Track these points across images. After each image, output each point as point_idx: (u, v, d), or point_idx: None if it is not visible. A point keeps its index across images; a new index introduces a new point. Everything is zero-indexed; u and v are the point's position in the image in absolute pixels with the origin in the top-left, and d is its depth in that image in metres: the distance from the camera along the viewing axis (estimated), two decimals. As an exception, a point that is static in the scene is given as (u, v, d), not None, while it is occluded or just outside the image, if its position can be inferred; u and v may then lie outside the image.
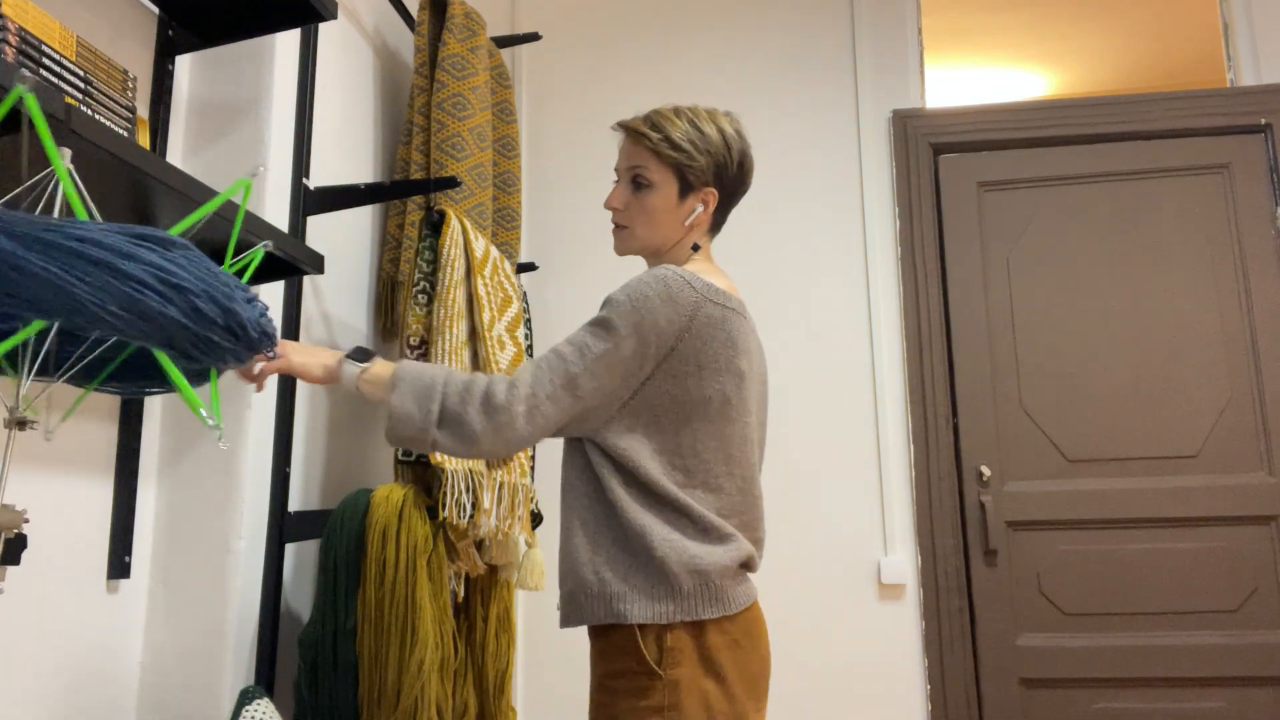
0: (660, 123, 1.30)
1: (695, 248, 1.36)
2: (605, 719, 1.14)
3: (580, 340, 1.18)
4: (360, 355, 1.22)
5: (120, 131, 1.12)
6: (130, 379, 1.05)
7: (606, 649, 1.16)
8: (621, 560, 1.16)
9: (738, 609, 1.18)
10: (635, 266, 2.58)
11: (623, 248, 1.36)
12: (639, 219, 1.32)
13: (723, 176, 1.32)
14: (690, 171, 1.29)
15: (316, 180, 1.68)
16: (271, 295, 1.51)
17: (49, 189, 0.98)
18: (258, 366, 1.18)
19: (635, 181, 1.32)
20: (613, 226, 1.37)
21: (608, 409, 1.19)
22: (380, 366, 1.19)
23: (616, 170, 1.36)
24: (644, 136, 1.30)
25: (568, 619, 1.20)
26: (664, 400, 1.19)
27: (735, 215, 2.57)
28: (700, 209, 1.32)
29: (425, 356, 1.69)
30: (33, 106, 0.80)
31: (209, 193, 1.11)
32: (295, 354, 1.20)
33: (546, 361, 1.18)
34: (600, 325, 1.19)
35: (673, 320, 1.18)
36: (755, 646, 1.20)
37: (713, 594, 1.15)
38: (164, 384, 1.06)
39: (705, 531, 1.18)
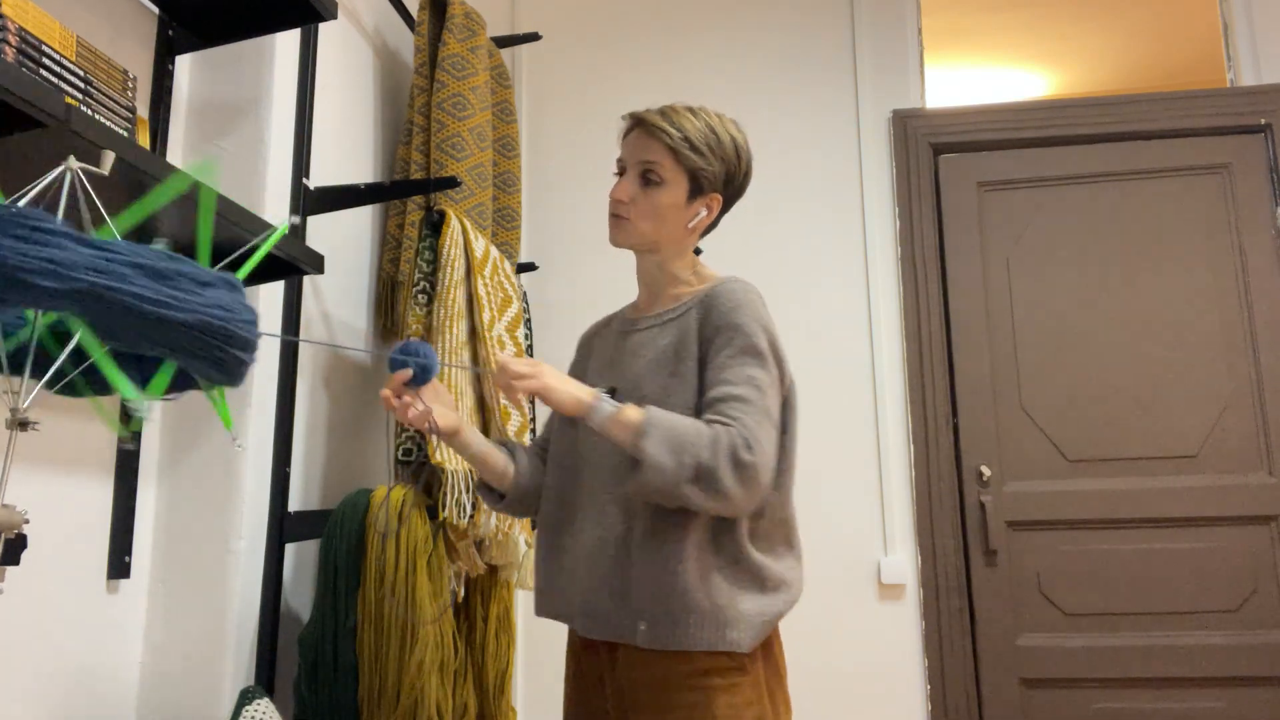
0: (680, 121, 1.27)
1: (698, 251, 1.35)
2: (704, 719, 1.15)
3: (750, 377, 1.18)
4: (611, 395, 1.22)
5: (120, 131, 1.12)
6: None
7: (694, 653, 1.15)
8: (735, 583, 1.17)
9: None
10: (632, 263, 2.58)
11: (622, 239, 1.33)
12: (644, 215, 1.29)
13: (729, 185, 1.31)
14: (703, 175, 1.28)
15: (316, 180, 1.68)
16: (271, 295, 1.51)
17: (62, 189, 0.98)
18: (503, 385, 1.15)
19: (646, 176, 1.28)
20: (611, 216, 1.33)
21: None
22: (632, 410, 1.15)
23: (623, 161, 1.32)
24: (663, 133, 1.27)
25: (665, 640, 1.15)
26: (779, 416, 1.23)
27: (735, 215, 2.57)
28: (704, 214, 1.31)
29: (425, 356, 1.69)
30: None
31: (209, 193, 1.11)
32: (550, 378, 1.16)
33: (747, 409, 1.15)
34: (754, 355, 1.19)
35: (776, 337, 1.24)
36: (780, 641, 1.28)
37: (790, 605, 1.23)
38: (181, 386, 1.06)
39: (798, 548, 1.26)
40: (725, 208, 1.34)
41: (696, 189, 1.29)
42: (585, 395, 1.16)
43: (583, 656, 1.28)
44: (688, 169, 1.27)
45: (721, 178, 1.29)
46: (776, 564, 1.21)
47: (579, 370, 1.44)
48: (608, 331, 1.41)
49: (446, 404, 1.27)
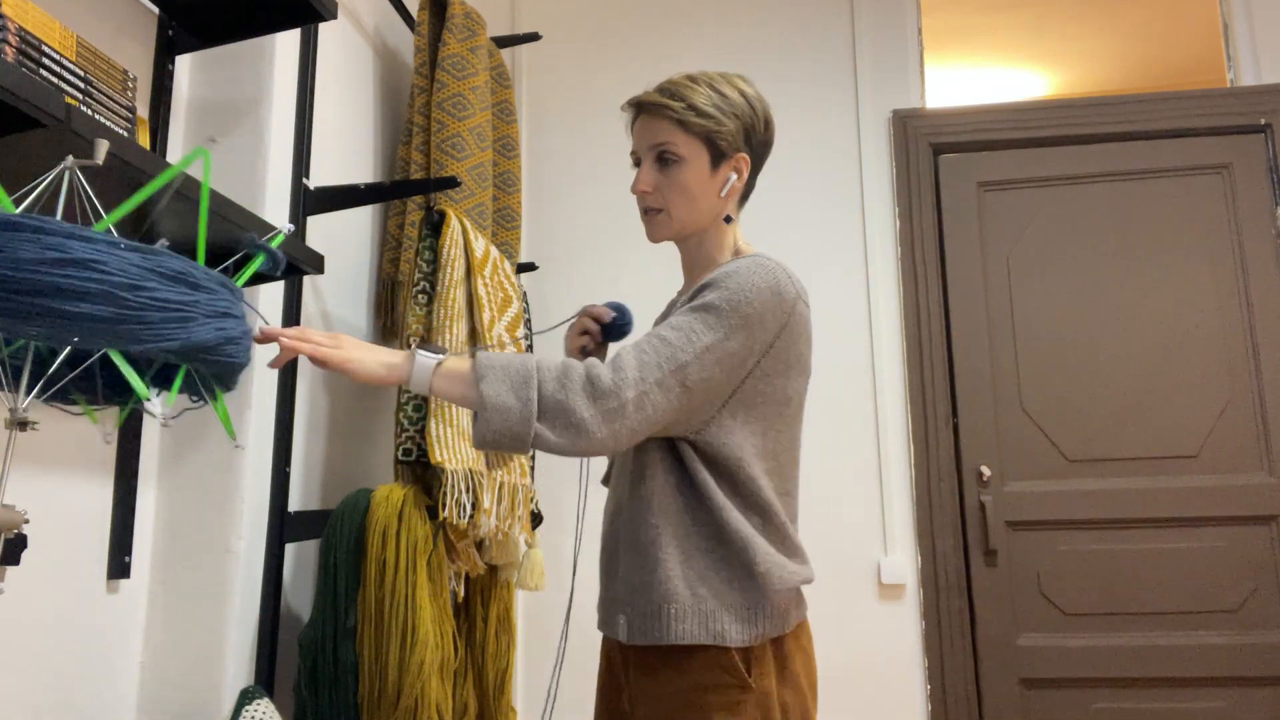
0: (680, 91, 1.19)
1: (728, 219, 1.26)
2: None
3: (687, 326, 1.08)
4: (428, 352, 1.07)
5: (120, 131, 1.12)
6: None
7: (688, 663, 1.08)
8: (719, 574, 1.08)
9: (803, 616, 1.17)
10: (633, 264, 2.58)
11: (660, 234, 1.24)
12: (675, 199, 1.21)
13: (751, 139, 1.23)
14: (720, 138, 1.19)
15: (316, 180, 1.68)
16: (271, 295, 1.51)
17: (61, 187, 0.98)
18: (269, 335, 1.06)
19: (662, 159, 1.20)
20: (643, 212, 1.24)
21: (711, 405, 1.10)
22: (456, 359, 1.05)
23: (636, 153, 1.24)
24: (665, 108, 1.19)
25: (644, 634, 1.09)
26: (757, 399, 1.12)
27: (735, 215, 2.57)
28: (734, 177, 1.22)
29: (425, 356, 1.69)
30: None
31: (208, 193, 1.11)
32: (353, 349, 1.05)
33: (651, 346, 1.06)
34: (708, 311, 1.09)
35: (776, 317, 1.12)
36: (812, 651, 1.18)
37: (796, 605, 1.14)
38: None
39: (791, 541, 1.14)
40: (757, 166, 1.26)
41: (718, 155, 1.20)
42: (396, 358, 1.05)
43: (608, 657, 1.26)
44: (701, 137, 1.19)
45: (740, 135, 1.21)
46: (769, 550, 1.10)
47: None
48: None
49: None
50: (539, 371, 1.03)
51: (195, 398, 1.04)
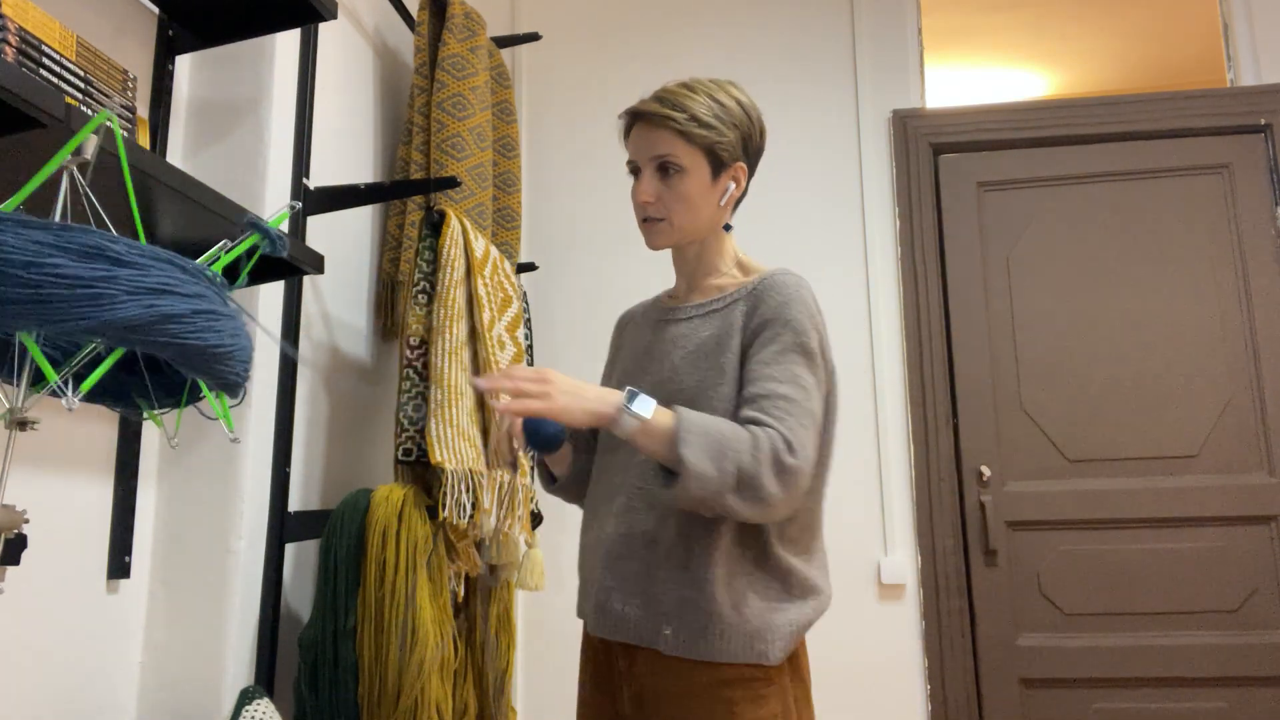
0: (680, 101, 1.20)
1: (728, 228, 1.29)
2: None
3: (796, 376, 1.12)
4: (631, 398, 1.07)
5: (120, 132, 1.12)
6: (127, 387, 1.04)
7: (718, 664, 1.11)
8: (764, 592, 1.12)
9: None
10: (632, 265, 2.58)
11: (661, 242, 1.25)
12: (677, 208, 1.22)
13: (748, 148, 1.25)
14: (721, 148, 1.21)
15: (316, 180, 1.68)
16: (271, 295, 1.51)
17: (58, 190, 0.98)
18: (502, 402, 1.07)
19: (663, 169, 1.21)
20: (643, 220, 1.24)
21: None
22: (660, 416, 1.06)
23: (635, 162, 1.25)
24: (668, 119, 1.19)
25: (689, 649, 1.10)
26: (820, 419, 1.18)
27: (735, 214, 2.57)
28: (732, 186, 1.24)
29: (425, 356, 1.69)
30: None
31: (209, 193, 1.11)
32: (560, 396, 1.05)
33: (791, 409, 1.09)
34: (803, 354, 1.13)
35: (825, 338, 1.19)
36: (806, 649, 1.24)
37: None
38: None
39: (821, 557, 1.20)
40: (750, 173, 1.28)
41: (718, 165, 1.22)
42: (605, 408, 1.06)
43: (599, 657, 1.23)
44: (703, 148, 1.20)
45: (739, 145, 1.23)
46: (806, 569, 1.16)
47: (613, 357, 1.40)
48: (643, 319, 1.35)
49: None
50: (735, 441, 1.05)
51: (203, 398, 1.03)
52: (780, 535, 1.15)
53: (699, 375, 1.17)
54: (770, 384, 1.11)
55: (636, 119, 1.23)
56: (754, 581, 1.12)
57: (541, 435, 1.13)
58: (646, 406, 1.06)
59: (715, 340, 1.19)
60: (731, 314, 1.20)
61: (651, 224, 1.24)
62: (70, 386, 0.93)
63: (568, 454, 1.33)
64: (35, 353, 0.79)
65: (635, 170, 1.25)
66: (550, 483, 1.38)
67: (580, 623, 2.39)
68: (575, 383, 1.07)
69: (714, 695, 1.08)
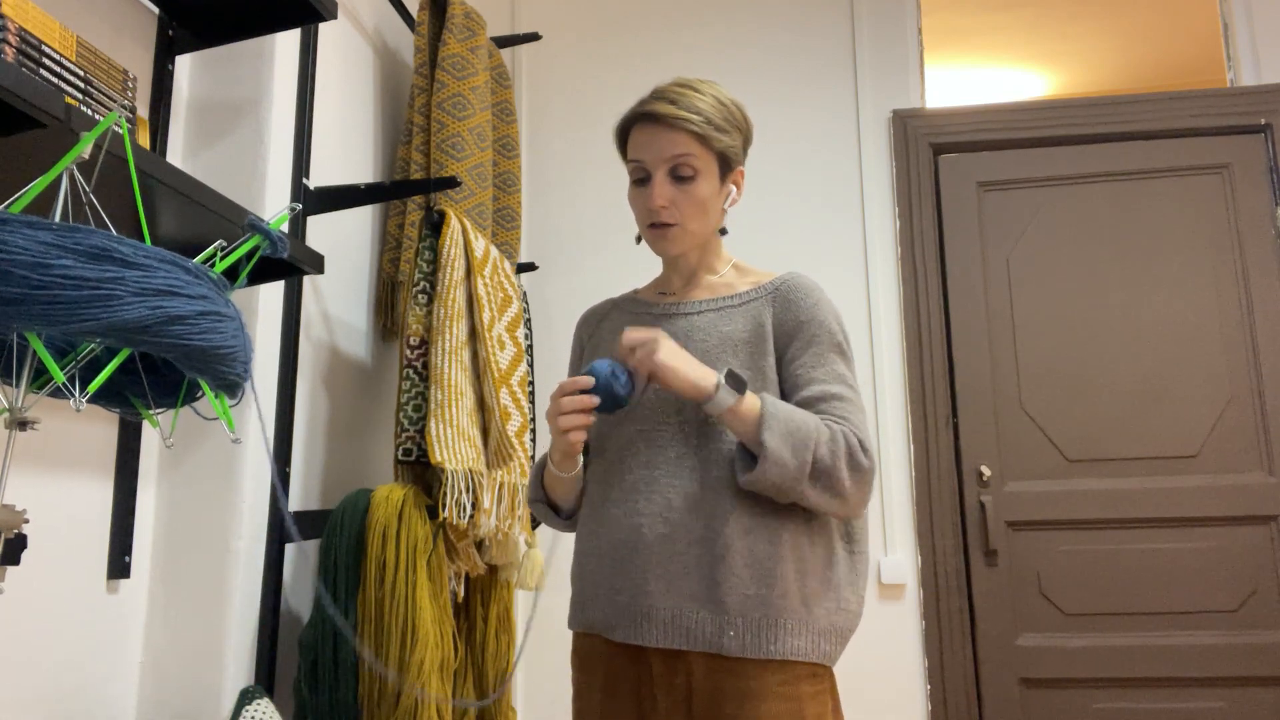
0: (692, 102, 1.17)
1: (724, 231, 1.28)
2: None
3: (841, 375, 1.16)
4: (732, 380, 1.09)
5: (120, 132, 1.12)
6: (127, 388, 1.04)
7: (783, 663, 1.09)
8: (832, 593, 1.12)
9: None
10: (632, 265, 2.58)
11: (675, 248, 1.21)
12: (690, 213, 1.18)
13: (745, 150, 1.24)
14: (731, 152, 1.20)
15: (316, 180, 1.68)
16: (271, 295, 1.51)
17: (59, 190, 0.98)
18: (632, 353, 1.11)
19: (677, 173, 1.17)
20: (652, 227, 1.19)
21: None
22: (750, 401, 1.08)
23: (640, 164, 1.19)
24: (684, 121, 1.15)
25: (756, 648, 1.07)
26: None
27: (734, 214, 2.57)
28: (734, 190, 1.23)
29: (425, 356, 1.69)
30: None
31: (209, 193, 1.11)
32: (669, 354, 1.08)
33: (848, 409, 1.13)
34: (841, 354, 1.18)
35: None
36: None
37: None
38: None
39: (866, 559, 1.22)
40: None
41: (726, 168, 1.20)
42: (705, 382, 1.07)
43: (615, 664, 1.16)
44: (716, 151, 1.18)
45: (742, 148, 1.22)
46: (858, 575, 1.17)
47: (578, 353, 1.36)
48: (622, 315, 1.31)
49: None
50: (817, 433, 1.07)
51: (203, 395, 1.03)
52: (846, 535, 1.17)
53: (743, 370, 1.17)
54: (823, 385, 1.14)
55: (646, 120, 1.18)
56: (824, 581, 1.12)
57: (615, 396, 1.12)
58: (738, 384, 1.09)
59: (747, 337, 1.17)
60: (756, 314, 1.18)
61: (662, 229, 1.19)
62: (76, 387, 0.93)
63: (579, 480, 1.26)
64: (42, 353, 0.79)
65: (640, 173, 1.20)
66: (562, 518, 1.31)
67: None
68: (682, 351, 1.10)
69: (782, 694, 1.07)
